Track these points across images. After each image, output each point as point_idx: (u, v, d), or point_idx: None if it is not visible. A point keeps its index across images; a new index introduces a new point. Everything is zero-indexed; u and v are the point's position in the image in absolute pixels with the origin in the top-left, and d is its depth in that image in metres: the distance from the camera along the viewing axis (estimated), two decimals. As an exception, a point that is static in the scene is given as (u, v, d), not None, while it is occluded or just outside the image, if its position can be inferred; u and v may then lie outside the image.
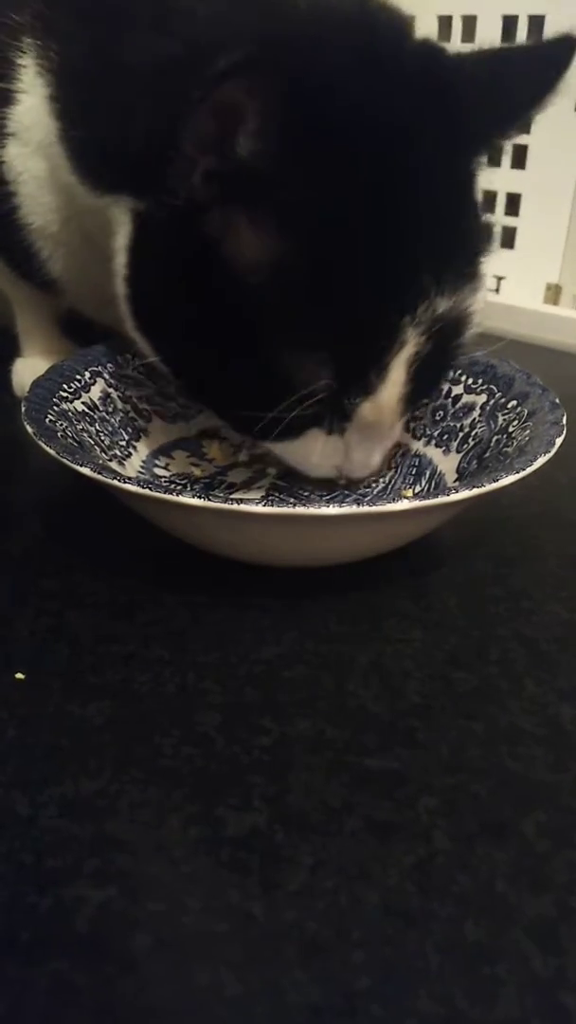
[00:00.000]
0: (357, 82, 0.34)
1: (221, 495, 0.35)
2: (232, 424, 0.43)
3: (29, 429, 0.40)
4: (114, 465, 0.46)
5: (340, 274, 0.35)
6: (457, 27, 0.80)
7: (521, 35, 0.75)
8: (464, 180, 0.38)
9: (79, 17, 0.42)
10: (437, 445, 0.50)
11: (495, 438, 0.46)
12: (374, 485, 0.49)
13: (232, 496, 0.36)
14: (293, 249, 0.34)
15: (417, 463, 0.50)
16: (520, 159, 0.80)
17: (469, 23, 0.79)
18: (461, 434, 0.49)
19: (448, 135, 0.36)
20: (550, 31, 0.73)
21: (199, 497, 0.34)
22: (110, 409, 0.50)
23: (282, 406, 0.37)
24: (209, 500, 0.34)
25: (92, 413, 0.48)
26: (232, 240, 0.35)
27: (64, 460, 0.37)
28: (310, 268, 0.35)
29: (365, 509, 0.34)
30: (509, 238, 0.83)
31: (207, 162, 0.34)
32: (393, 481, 0.50)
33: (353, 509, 0.34)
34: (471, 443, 0.48)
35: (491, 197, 0.83)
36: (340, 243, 0.35)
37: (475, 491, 0.35)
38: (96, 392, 0.49)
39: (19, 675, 0.35)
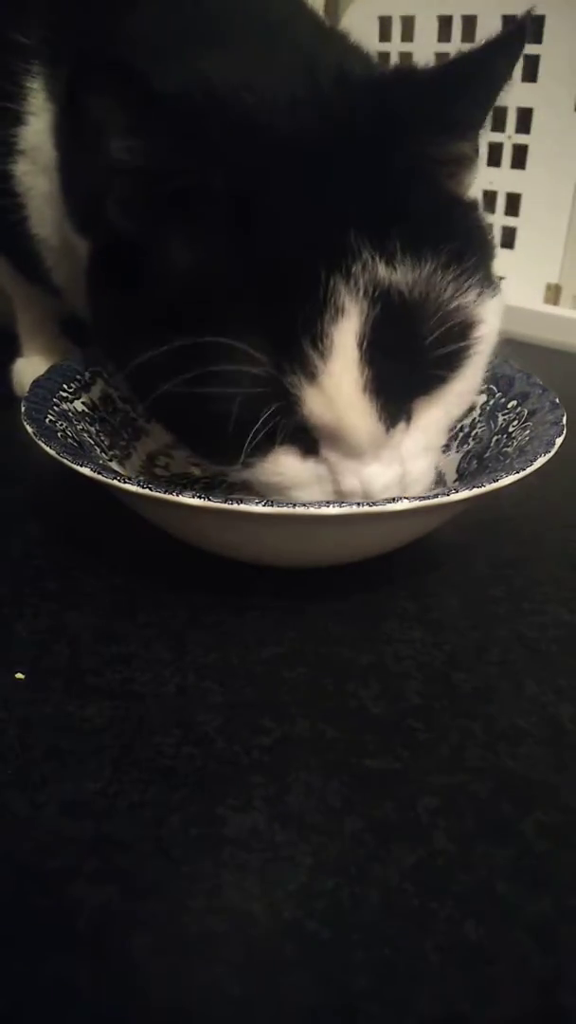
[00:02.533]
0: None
1: (221, 495, 0.35)
2: (196, 451, 0.40)
3: (29, 429, 0.40)
4: (114, 465, 0.46)
5: (256, 245, 0.33)
6: (457, 27, 0.80)
7: (521, 35, 0.75)
8: (408, 169, 0.35)
9: (79, 45, 0.42)
10: (437, 445, 0.50)
11: (495, 438, 0.46)
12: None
13: (232, 496, 0.36)
14: (204, 231, 0.34)
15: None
16: (520, 159, 0.80)
17: (469, 23, 0.79)
18: (461, 434, 0.49)
19: (369, 123, 0.34)
20: (550, 31, 0.74)
21: (199, 497, 0.34)
22: (110, 409, 0.50)
23: (232, 410, 0.34)
24: (209, 500, 0.34)
25: (92, 413, 0.48)
26: (158, 257, 0.35)
27: (64, 460, 0.37)
28: (225, 248, 0.33)
29: (365, 509, 0.34)
30: (509, 238, 0.83)
31: (111, 188, 0.34)
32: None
33: (353, 509, 0.34)
34: (471, 443, 0.48)
35: (491, 197, 0.83)
36: (245, 212, 0.33)
37: (475, 491, 0.35)
38: (96, 392, 0.49)
39: (19, 675, 0.35)
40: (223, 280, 0.33)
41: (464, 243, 0.36)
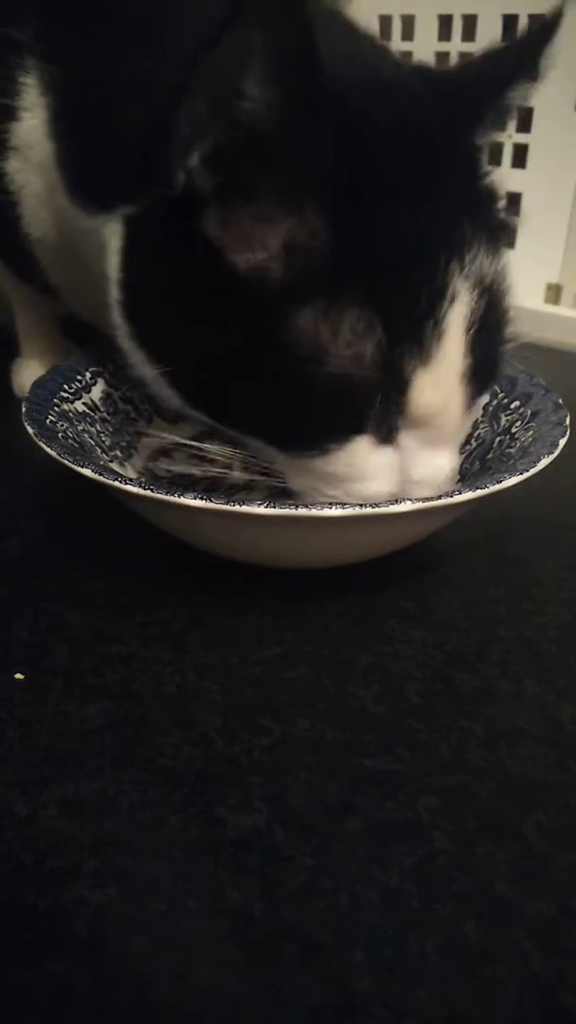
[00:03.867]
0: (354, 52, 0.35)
1: (223, 496, 0.35)
2: (258, 436, 0.38)
3: (29, 430, 0.40)
4: (115, 466, 0.46)
5: (372, 224, 0.33)
6: (457, 27, 0.80)
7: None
8: (474, 155, 0.38)
9: (74, 39, 0.42)
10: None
11: (498, 439, 0.46)
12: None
13: (233, 497, 0.36)
14: (310, 213, 0.32)
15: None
16: (520, 159, 0.80)
17: (469, 23, 0.79)
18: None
19: (448, 113, 0.36)
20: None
21: (200, 498, 0.34)
22: (111, 410, 0.50)
23: (328, 391, 0.33)
24: (210, 501, 0.34)
25: (93, 414, 0.48)
26: (233, 240, 0.33)
27: (65, 461, 0.37)
28: (335, 228, 0.33)
29: (367, 510, 0.34)
30: (509, 238, 0.83)
31: (205, 142, 0.32)
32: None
33: (355, 510, 0.34)
34: (474, 444, 0.48)
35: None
36: (366, 193, 0.33)
37: (478, 492, 0.35)
38: (97, 393, 0.49)
39: (19, 675, 0.35)
40: (325, 257, 0.33)
41: (503, 237, 0.38)
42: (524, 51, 0.38)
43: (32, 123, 0.45)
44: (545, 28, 0.38)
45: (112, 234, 0.40)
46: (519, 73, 0.38)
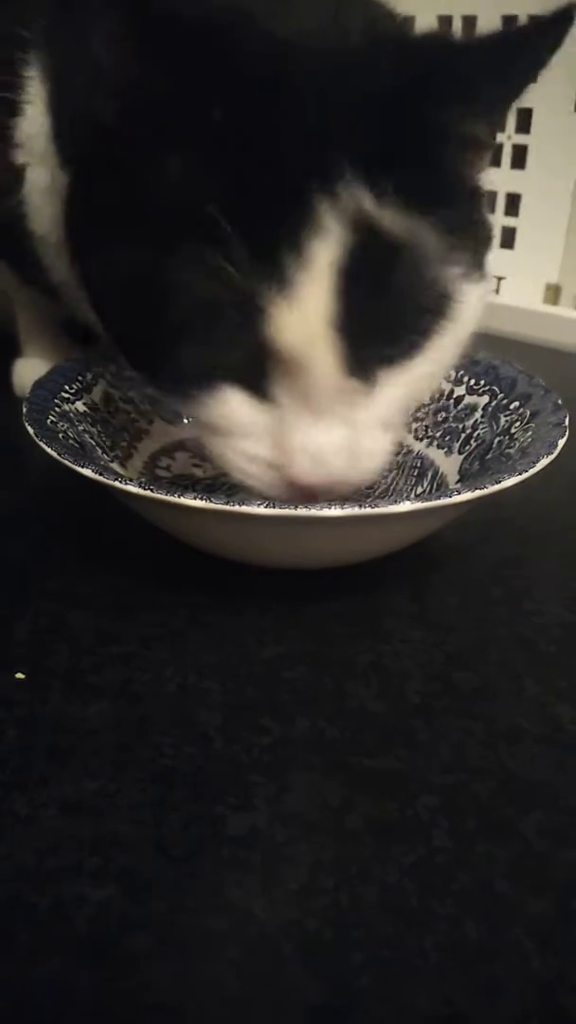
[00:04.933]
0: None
1: (223, 496, 0.35)
2: (143, 372, 0.38)
3: (30, 430, 0.40)
4: (115, 466, 0.46)
5: (247, 161, 0.32)
6: (457, 27, 0.80)
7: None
8: (423, 131, 0.34)
9: (74, 31, 0.43)
10: (439, 446, 0.50)
11: (497, 439, 0.46)
12: (376, 486, 0.49)
13: (234, 498, 0.36)
14: (191, 146, 0.33)
15: (419, 464, 0.50)
16: (520, 159, 0.80)
17: (469, 23, 0.79)
18: (463, 435, 0.49)
19: (395, 78, 0.33)
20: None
21: (201, 498, 0.34)
22: (112, 410, 0.50)
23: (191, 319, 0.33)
24: (210, 501, 0.34)
25: (94, 414, 0.48)
26: (150, 167, 0.33)
27: (65, 461, 0.37)
28: (215, 164, 0.32)
29: (367, 511, 0.34)
30: (509, 238, 0.83)
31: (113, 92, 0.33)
32: (395, 482, 0.50)
33: (355, 511, 0.34)
34: (473, 444, 0.48)
35: (491, 197, 0.83)
36: (245, 136, 0.32)
37: (478, 492, 0.35)
38: (98, 393, 0.49)
39: (19, 675, 0.35)
40: (209, 192, 0.32)
41: (461, 220, 0.36)
42: (524, 42, 0.35)
43: (33, 114, 0.46)
44: (552, 30, 0.34)
45: None
46: (512, 64, 0.35)
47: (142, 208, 0.34)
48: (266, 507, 0.34)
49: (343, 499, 0.36)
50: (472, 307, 0.37)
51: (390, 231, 0.33)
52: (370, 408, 0.36)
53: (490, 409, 0.48)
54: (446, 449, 0.50)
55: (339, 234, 0.32)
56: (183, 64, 0.32)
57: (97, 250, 0.37)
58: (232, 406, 0.35)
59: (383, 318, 0.34)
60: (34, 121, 0.46)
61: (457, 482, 0.47)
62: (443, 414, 0.51)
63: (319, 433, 0.35)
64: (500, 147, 0.81)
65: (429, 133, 0.34)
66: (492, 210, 0.83)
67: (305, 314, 0.32)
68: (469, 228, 0.37)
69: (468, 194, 0.38)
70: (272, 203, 0.32)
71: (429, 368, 0.37)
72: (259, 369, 0.34)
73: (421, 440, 0.52)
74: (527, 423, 0.44)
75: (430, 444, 0.51)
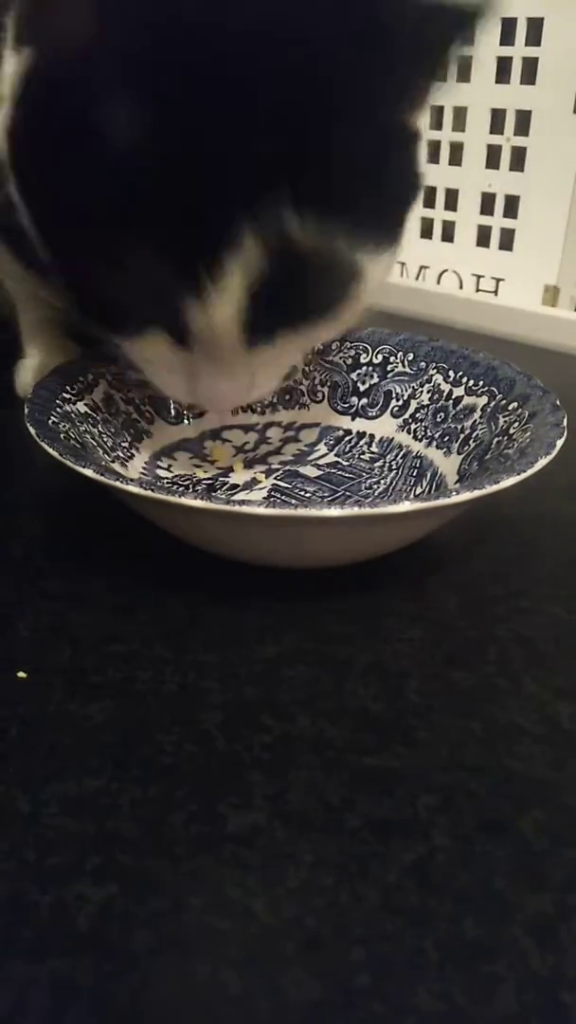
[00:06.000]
0: None
1: (223, 496, 0.35)
2: (88, 315, 0.42)
3: (32, 431, 0.40)
4: (116, 467, 0.46)
5: (180, 156, 0.33)
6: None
7: (520, 36, 0.75)
8: (360, 104, 0.34)
9: None
10: (438, 447, 0.51)
11: (496, 440, 0.46)
12: (375, 487, 0.50)
13: (234, 498, 0.36)
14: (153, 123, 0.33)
15: (418, 465, 0.50)
16: (519, 161, 0.81)
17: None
18: (462, 436, 0.49)
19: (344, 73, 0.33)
20: (549, 32, 0.74)
21: (201, 499, 0.35)
22: (113, 411, 0.50)
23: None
24: (211, 502, 0.34)
25: (95, 415, 0.48)
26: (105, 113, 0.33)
27: (67, 462, 0.38)
28: (160, 144, 0.33)
29: (367, 511, 0.34)
30: (507, 240, 0.84)
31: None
32: (394, 482, 0.50)
33: (355, 511, 0.34)
34: (472, 445, 0.48)
35: (490, 199, 0.83)
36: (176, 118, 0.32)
37: (476, 493, 0.36)
38: (99, 394, 0.50)
39: (21, 674, 0.35)
40: (146, 176, 0.33)
41: (384, 196, 0.37)
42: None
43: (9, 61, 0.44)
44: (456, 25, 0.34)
45: None
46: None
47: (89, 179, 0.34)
48: (266, 507, 0.34)
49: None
50: (379, 275, 0.39)
51: (307, 239, 0.34)
52: (270, 362, 0.41)
53: (489, 410, 0.48)
54: (445, 450, 0.50)
55: (256, 253, 0.34)
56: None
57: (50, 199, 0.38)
58: (158, 349, 0.40)
59: (290, 305, 0.38)
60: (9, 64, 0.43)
61: (456, 482, 0.47)
62: (442, 415, 0.51)
63: (221, 381, 0.40)
64: (499, 149, 0.81)
65: (370, 109, 0.34)
66: (491, 212, 0.84)
67: (215, 315, 0.36)
68: (394, 196, 0.38)
69: (403, 151, 0.37)
70: (195, 223, 0.34)
71: (327, 333, 0.41)
72: (182, 331, 0.38)
73: (420, 441, 0.52)
74: (526, 424, 0.44)
75: (429, 444, 0.51)
